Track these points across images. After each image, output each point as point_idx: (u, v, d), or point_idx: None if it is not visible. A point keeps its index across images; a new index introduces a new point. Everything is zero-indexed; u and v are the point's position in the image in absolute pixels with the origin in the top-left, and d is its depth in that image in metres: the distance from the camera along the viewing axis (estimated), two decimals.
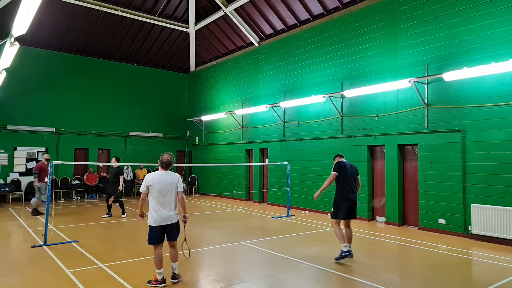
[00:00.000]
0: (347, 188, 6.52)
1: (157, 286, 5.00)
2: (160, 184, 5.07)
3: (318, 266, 6.09)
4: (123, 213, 11.14)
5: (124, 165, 17.08)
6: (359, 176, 6.83)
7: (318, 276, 5.67)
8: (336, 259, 6.37)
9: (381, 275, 5.64)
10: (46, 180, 10.90)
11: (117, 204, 11.14)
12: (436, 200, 9.02)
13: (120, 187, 10.94)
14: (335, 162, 6.79)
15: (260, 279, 5.51)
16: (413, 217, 9.79)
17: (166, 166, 5.24)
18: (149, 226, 5.09)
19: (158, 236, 5.09)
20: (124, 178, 11.53)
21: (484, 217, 7.99)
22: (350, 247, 6.44)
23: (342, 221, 6.62)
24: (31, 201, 11.52)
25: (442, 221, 8.87)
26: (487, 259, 6.70)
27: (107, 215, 11.02)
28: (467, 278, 5.82)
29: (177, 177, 5.25)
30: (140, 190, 5.19)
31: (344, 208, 6.50)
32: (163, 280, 5.07)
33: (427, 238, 8.33)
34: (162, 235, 5.13)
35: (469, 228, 8.32)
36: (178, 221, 5.26)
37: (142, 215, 5.37)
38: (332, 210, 6.63)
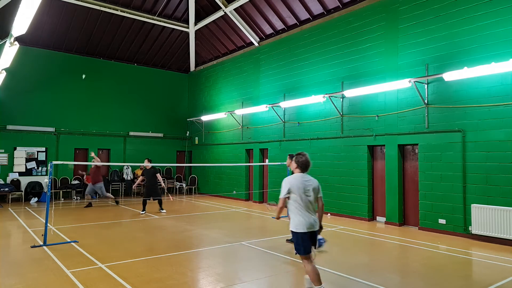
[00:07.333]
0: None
1: None
2: (302, 189, 4.62)
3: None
4: (162, 209, 11.87)
5: (124, 165, 17.10)
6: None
7: None
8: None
9: (381, 275, 5.64)
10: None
11: (156, 201, 11.94)
12: (436, 200, 9.02)
13: (162, 185, 12.00)
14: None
15: (260, 279, 5.50)
16: (413, 217, 9.78)
17: (305, 168, 4.76)
18: (296, 233, 4.63)
19: (308, 243, 4.64)
20: (161, 176, 12.43)
21: (484, 217, 7.99)
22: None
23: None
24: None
25: (442, 221, 8.87)
26: (487, 259, 6.70)
27: (143, 212, 11.67)
28: (467, 278, 5.81)
29: (316, 182, 4.80)
30: (280, 196, 4.68)
31: None
32: None
33: (427, 238, 8.32)
34: (311, 243, 4.68)
35: (469, 228, 8.32)
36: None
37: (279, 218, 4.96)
38: None
